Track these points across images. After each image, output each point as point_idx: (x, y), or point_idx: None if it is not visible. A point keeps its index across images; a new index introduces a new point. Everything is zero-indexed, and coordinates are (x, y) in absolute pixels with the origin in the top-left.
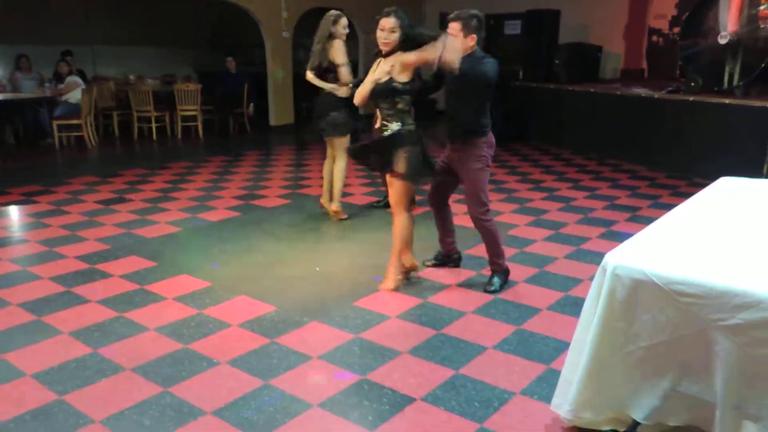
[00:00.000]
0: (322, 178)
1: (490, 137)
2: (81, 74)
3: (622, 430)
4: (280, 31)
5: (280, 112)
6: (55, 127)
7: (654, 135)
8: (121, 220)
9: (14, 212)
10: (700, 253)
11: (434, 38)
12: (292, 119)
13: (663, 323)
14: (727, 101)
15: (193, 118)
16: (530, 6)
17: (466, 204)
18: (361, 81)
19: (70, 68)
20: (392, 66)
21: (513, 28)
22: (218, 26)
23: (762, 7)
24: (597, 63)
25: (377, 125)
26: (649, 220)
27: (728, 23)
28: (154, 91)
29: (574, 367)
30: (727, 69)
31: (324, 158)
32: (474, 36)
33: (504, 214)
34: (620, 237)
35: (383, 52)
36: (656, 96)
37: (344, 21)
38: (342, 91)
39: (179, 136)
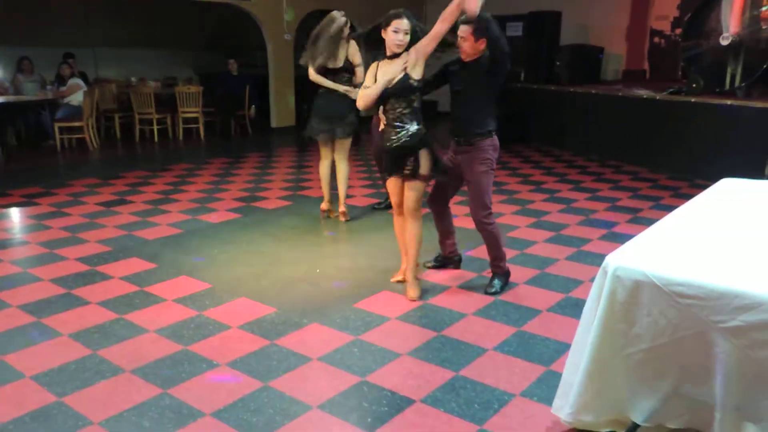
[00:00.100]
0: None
1: (496, 140)
2: (83, 76)
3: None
4: (281, 33)
5: (281, 114)
6: (56, 129)
7: (655, 136)
8: (122, 221)
9: (15, 214)
10: (701, 255)
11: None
12: (293, 121)
13: (663, 325)
14: (728, 102)
15: (195, 120)
16: (532, 7)
17: (470, 207)
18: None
19: (72, 70)
20: (406, 63)
21: (514, 29)
22: (220, 28)
23: (764, 9)
24: (598, 64)
25: (384, 127)
26: (650, 222)
27: (730, 24)
28: (155, 93)
29: (574, 369)
30: (728, 70)
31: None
32: (484, 40)
33: (505, 215)
34: (621, 238)
35: (394, 53)
36: (658, 97)
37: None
38: (355, 93)
39: (181, 138)
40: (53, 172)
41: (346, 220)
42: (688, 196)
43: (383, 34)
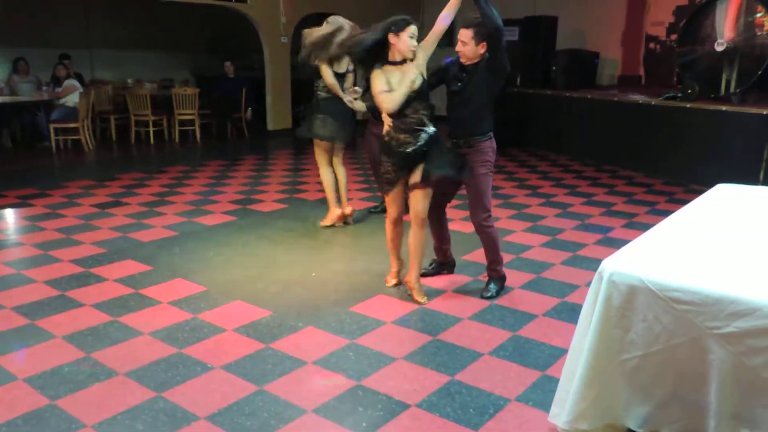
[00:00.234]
0: (320, 183)
1: (494, 142)
2: (79, 78)
3: None
4: (278, 36)
5: (278, 116)
6: (52, 131)
7: (651, 142)
8: (116, 223)
9: (10, 215)
10: (696, 260)
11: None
12: (289, 124)
13: (658, 331)
14: (723, 108)
15: (191, 122)
16: (528, 12)
17: (470, 210)
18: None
19: (68, 71)
20: (417, 64)
21: (511, 34)
22: (217, 31)
23: (758, 15)
24: (594, 69)
25: (394, 133)
26: (645, 227)
27: (725, 30)
28: (151, 95)
29: (571, 375)
30: (724, 76)
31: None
32: (485, 44)
33: (501, 219)
34: (617, 243)
35: (407, 59)
36: (653, 103)
37: None
38: (358, 103)
39: (177, 140)
40: (48, 173)
41: (344, 224)
42: (684, 202)
43: (393, 39)
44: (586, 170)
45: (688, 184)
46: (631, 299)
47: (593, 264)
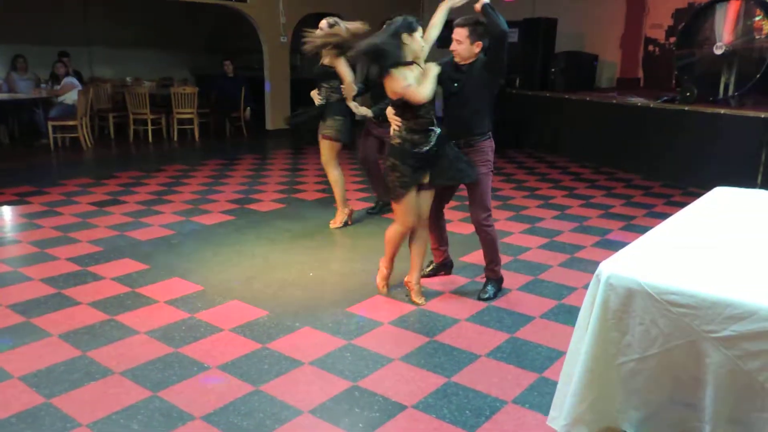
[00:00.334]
0: (318, 183)
1: (492, 141)
2: (78, 75)
3: None
4: (277, 36)
5: (276, 116)
6: (50, 128)
7: (649, 144)
8: (114, 222)
9: (7, 212)
10: (694, 264)
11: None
12: (288, 124)
13: (655, 334)
14: (721, 111)
15: (190, 121)
16: (527, 14)
17: (470, 209)
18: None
19: (66, 69)
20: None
21: (510, 36)
22: (216, 30)
23: (757, 18)
24: (593, 72)
25: (405, 134)
26: (643, 229)
27: (724, 34)
28: (150, 93)
29: (569, 378)
30: (722, 79)
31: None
32: (480, 43)
33: (499, 221)
34: (615, 246)
35: (415, 60)
36: (652, 105)
37: None
38: (364, 109)
39: (175, 138)
40: (46, 170)
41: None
42: (682, 204)
43: (407, 39)
44: (585, 172)
45: (686, 187)
46: (629, 302)
47: (591, 266)
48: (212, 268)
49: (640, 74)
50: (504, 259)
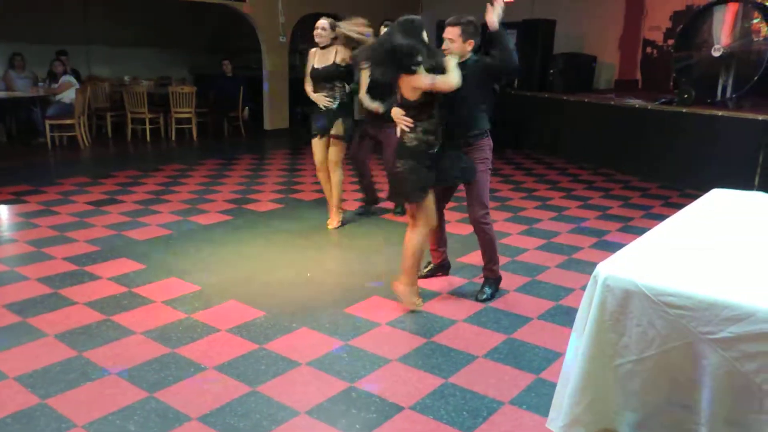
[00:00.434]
0: (318, 183)
1: (491, 140)
2: (75, 74)
3: None
4: (276, 36)
5: (275, 116)
6: (47, 127)
7: (647, 146)
8: (111, 221)
9: (3, 211)
10: (691, 265)
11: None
12: (286, 124)
13: (652, 336)
14: (719, 113)
15: (188, 121)
16: (526, 16)
17: (468, 207)
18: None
19: (64, 68)
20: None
21: (509, 37)
22: (215, 29)
23: (755, 21)
24: (591, 73)
25: (423, 135)
26: (641, 231)
27: (722, 36)
28: (148, 92)
29: (566, 380)
30: (720, 81)
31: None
32: (472, 42)
33: (497, 222)
34: (612, 247)
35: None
36: (649, 107)
37: None
38: (375, 104)
39: (173, 138)
40: (43, 169)
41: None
42: (679, 206)
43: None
44: (582, 173)
45: (683, 189)
46: (626, 303)
47: (588, 267)
48: (209, 268)
49: (639, 76)
50: (501, 260)
